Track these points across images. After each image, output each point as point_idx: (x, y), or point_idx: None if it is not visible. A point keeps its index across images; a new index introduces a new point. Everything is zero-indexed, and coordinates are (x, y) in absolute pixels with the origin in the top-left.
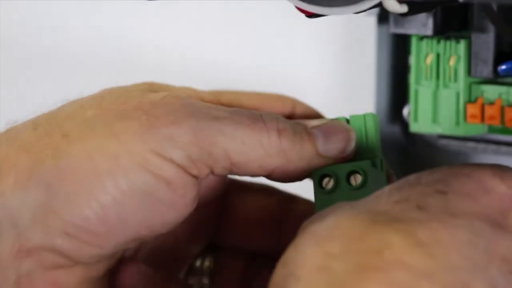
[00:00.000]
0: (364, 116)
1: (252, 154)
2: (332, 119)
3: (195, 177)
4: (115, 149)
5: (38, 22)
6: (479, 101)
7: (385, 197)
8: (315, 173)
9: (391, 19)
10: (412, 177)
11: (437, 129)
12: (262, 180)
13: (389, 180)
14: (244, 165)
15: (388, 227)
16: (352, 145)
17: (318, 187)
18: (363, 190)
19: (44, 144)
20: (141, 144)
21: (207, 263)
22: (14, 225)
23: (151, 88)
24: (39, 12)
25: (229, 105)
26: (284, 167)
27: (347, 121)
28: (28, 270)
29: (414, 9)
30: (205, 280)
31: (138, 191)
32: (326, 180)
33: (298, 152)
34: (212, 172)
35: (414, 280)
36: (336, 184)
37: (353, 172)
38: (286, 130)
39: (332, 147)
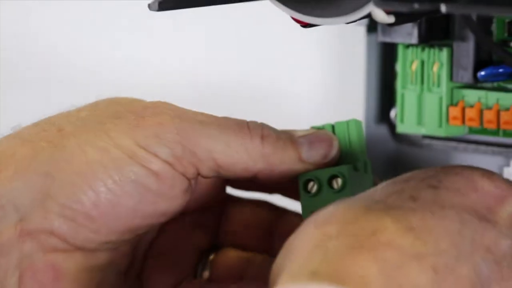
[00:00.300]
0: (348, 122)
1: (237, 156)
2: (318, 128)
3: (182, 174)
4: (105, 143)
5: None
6: (460, 104)
7: (380, 190)
8: (300, 178)
9: (379, 28)
10: (406, 174)
11: (421, 130)
12: (259, 196)
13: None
14: (229, 167)
15: (382, 213)
16: (334, 152)
17: (303, 191)
18: (343, 193)
19: (41, 137)
20: (129, 139)
21: (210, 258)
22: (16, 210)
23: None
24: None
25: None
26: (268, 170)
27: (333, 127)
28: (29, 252)
29: (400, 20)
30: (206, 274)
31: (128, 180)
32: (310, 184)
33: (280, 157)
34: (199, 172)
35: (403, 260)
36: (320, 187)
37: (334, 176)
38: (269, 136)
39: (315, 154)
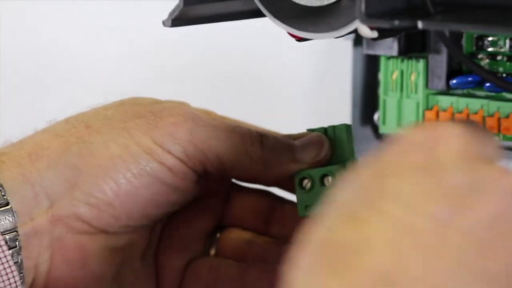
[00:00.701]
0: (338, 126)
1: (239, 158)
2: (312, 130)
3: (192, 170)
4: (126, 140)
5: None
6: (435, 108)
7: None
8: (296, 176)
9: (364, 42)
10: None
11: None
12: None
13: None
14: (232, 167)
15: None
16: (324, 152)
17: (299, 187)
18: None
19: (72, 133)
20: (147, 137)
21: (217, 236)
22: (48, 197)
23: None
24: None
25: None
26: (267, 171)
27: (325, 130)
28: (59, 234)
29: (382, 35)
30: (213, 251)
31: (145, 174)
32: (305, 181)
33: (277, 159)
34: (206, 170)
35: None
36: (313, 184)
37: (326, 174)
38: (267, 142)
39: (307, 154)
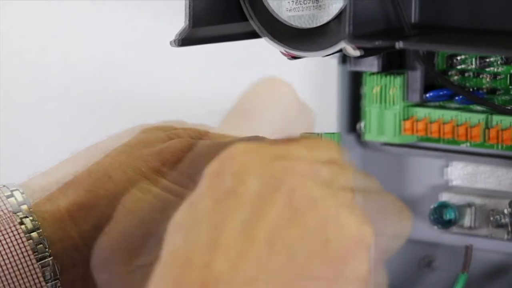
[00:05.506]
0: (333, 134)
1: None
2: (308, 136)
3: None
4: (147, 185)
5: None
6: (412, 119)
7: None
8: None
9: (349, 60)
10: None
11: (382, 138)
12: None
13: None
14: None
15: None
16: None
17: None
18: None
19: (98, 186)
20: (165, 180)
21: None
22: (88, 248)
23: (167, 128)
24: None
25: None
26: None
27: (320, 136)
28: (104, 278)
29: (366, 53)
30: None
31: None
32: None
33: None
34: None
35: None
36: None
37: None
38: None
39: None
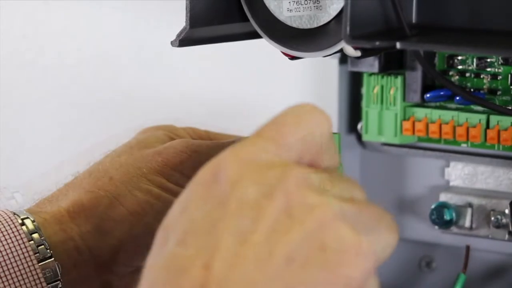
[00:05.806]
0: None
1: None
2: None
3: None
4: (147, 185)
5: None
6: (411, 119)
7: None
8: None
9: (349, 60)
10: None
11: (381, 139)
12: None
13: None
14: None
15: None
16: None
17: None
18: None
19: (99, 187)
20: (161, 178)
21: None
22: (89, 249)
23: (164, 131)
24: None
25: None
26: None
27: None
28: (106, 278)
29: (365, 54)
30: None
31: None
32: None
33: None
34: None
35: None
36: None
37: None
38: None
39: None
